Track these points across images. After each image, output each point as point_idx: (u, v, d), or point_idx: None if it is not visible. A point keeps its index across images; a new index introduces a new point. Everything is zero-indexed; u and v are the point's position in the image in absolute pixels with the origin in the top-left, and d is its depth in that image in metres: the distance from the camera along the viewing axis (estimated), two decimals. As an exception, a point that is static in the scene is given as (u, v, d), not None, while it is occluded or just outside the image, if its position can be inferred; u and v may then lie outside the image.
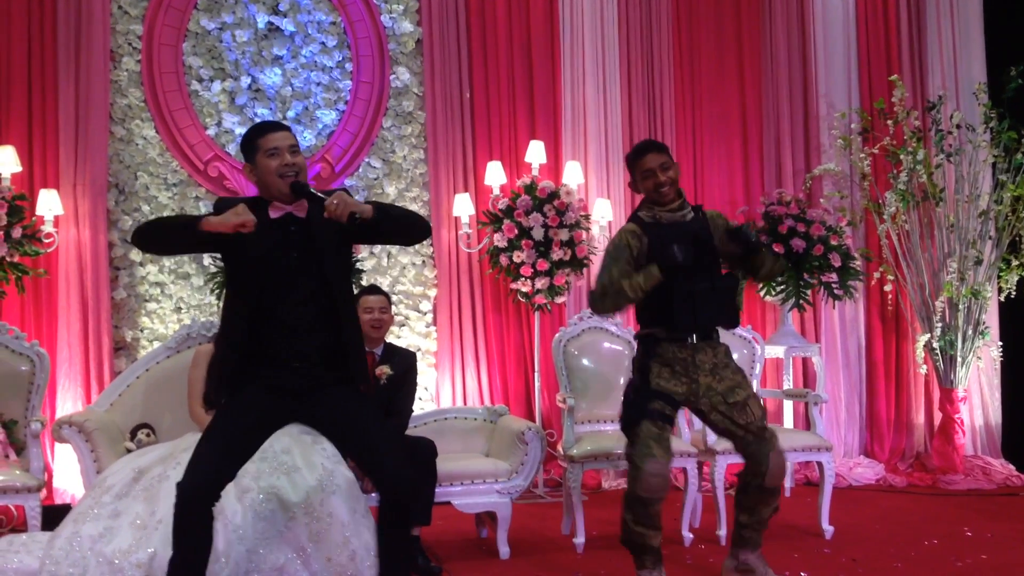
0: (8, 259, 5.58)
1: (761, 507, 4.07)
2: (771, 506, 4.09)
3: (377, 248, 6.58)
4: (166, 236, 3.38)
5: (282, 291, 3.30)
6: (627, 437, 3.95)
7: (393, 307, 6.59)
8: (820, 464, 5.17)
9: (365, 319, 4.63)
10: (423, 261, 6.74)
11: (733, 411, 3.98)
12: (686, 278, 3.90)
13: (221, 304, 3.28)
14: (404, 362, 4.78)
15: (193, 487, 3.19)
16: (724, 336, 4.18)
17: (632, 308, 4.10)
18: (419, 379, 6.51)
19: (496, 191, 6.44)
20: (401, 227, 3.41)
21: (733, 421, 3.99)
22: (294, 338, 3.30)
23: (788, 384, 6.45)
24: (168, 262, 6.33)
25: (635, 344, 4.18)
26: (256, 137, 3.35)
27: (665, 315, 3.94)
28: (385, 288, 6.58)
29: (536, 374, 6.44)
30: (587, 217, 6.46)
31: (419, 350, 6.63)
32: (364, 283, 6.06)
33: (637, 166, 4.02)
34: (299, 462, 4.12)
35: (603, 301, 3.95)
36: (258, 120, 6.45)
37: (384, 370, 4.69)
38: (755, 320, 6.91)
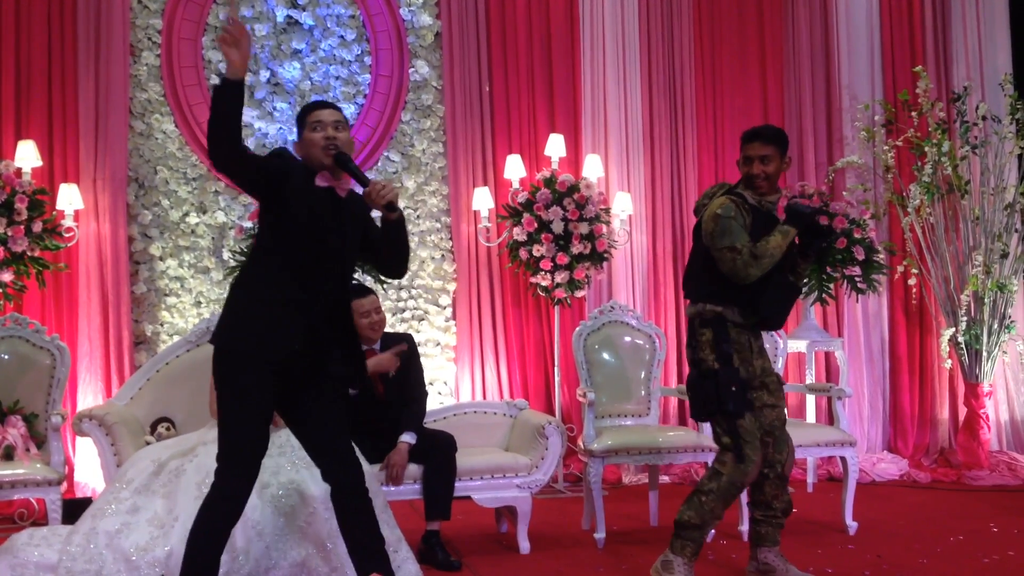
0: (29, 253, 5.60)
1: (775, 500, 4.08)
2: (783, 499, 4.09)
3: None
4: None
5: (312, 262, 3.28)
6: (724, 427, 3.95)
7: (412, 301, 6.65)
8: (844, 459, 5.12)
9: (363, 323, 4.53)
10: (442, 255, 6.72)
11: (779, 391, 4.11)
12: (781, 269, 3.97)
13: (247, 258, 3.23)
14: (403, 346, 4.63)
15: (245, 476, 3.20)
16: None
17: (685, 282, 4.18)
18: (439, 374, 6.55)
19: (516, 185, 6.40)
20: (402, 250, 3.41)
21: (776, 404, 4.07)
22: (312, 315, 3.29)
23: (811, 379, 6.39)
24: (188, 256, 6.34)
25: (695, 323, 4.07)
26: (304, 114, 3.39)
27: (743, 297, 3.95)
28: (404, 282, 6.58)
29: (556, 368, 6.41)
30: (607, 211, 6.42)
31: (438, 344, 6.62)
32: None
33: (743, 148, 4.05)
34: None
35: (758, 264, 3.88)
36: (276, 114, 6.48)
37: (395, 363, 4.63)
38: (777, 314, 6.84)
